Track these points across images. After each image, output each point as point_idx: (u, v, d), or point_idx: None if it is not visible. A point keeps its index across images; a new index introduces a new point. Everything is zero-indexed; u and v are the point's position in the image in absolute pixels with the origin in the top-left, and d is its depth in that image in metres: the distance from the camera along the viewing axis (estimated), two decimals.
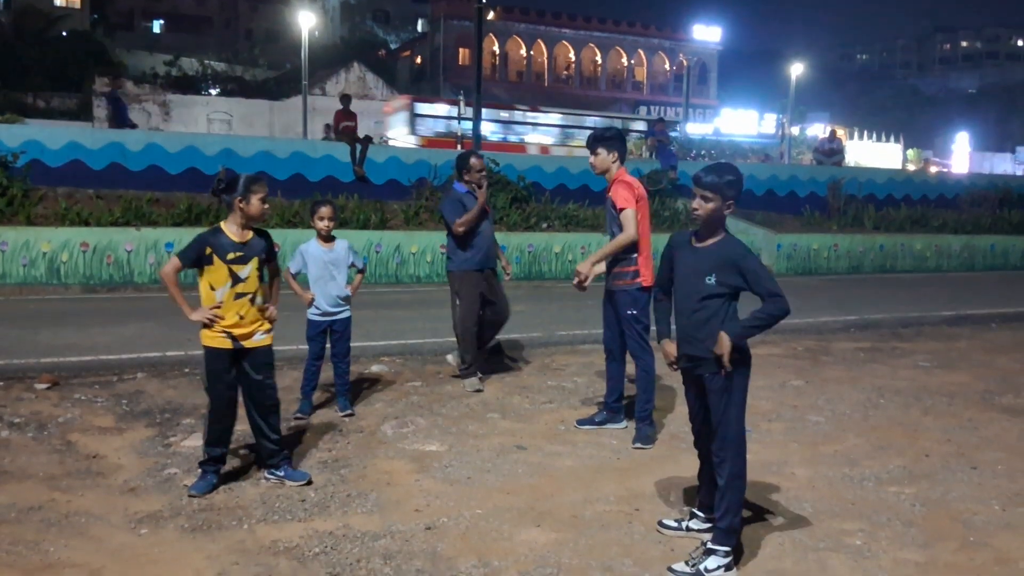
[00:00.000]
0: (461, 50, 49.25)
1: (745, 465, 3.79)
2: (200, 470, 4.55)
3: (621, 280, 5.53)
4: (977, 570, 3.79)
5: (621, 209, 5.43)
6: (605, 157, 5.59)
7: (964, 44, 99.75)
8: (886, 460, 5.27)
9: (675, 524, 4.10)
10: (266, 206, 4.48)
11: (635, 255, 5.50)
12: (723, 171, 3.76)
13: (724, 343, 3.65)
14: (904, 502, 4.59)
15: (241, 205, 4.40)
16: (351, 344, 6.17)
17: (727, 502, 3.71)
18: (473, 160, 6.97)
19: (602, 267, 5.60)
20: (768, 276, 3.68)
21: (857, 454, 5.39)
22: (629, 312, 5.53)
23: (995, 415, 6.41)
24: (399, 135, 29.63)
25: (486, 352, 7.30)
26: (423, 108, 31.86)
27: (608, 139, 5.64)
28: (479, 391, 6.76)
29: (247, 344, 4.49)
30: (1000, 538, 4.14)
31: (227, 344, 4.44)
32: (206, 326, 4.41)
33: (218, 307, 4.40)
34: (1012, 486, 4.86)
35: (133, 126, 18.87)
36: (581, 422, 5.89)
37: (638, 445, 5.44)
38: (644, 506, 4.40)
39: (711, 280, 3.71)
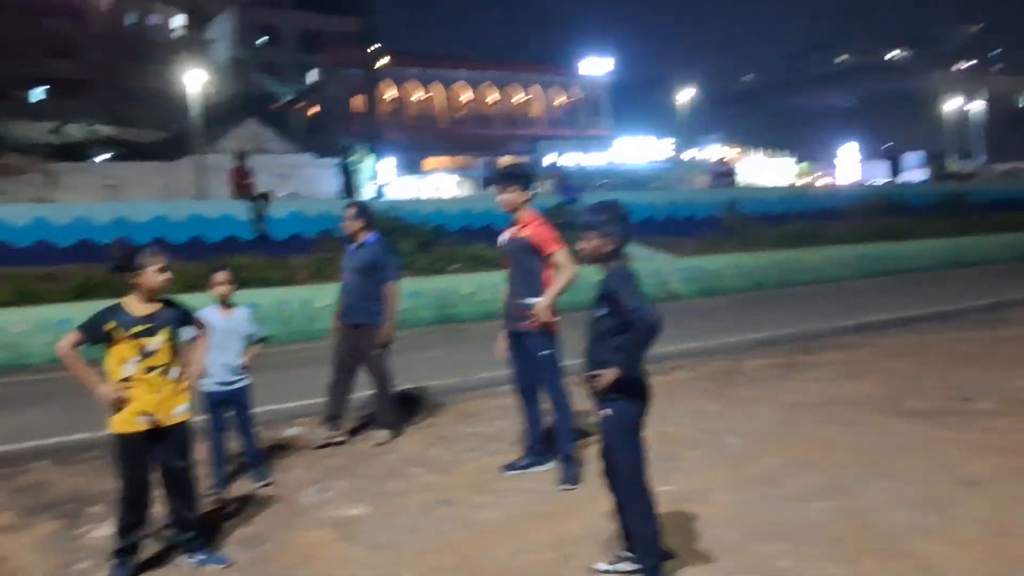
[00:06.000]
0: (355, 98, 49.16)
1: (645, 500, 3.80)
2: (113, 561, 4.32)
3: (531, 321, 5.52)
4: None
5: (550, 252, 5.47)
6: (516, 195, 5.60)
7: (839, 60, 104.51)
8: (805, 477, 5.38)
9: (608, 567, 4.08)
10: (166, 275, 4.29)
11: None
12: (599, 209, 3.89)
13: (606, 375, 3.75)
14: (826, 517, 4.67)
15: (138, 280, 4.24)
16: (261, 409, 6.01)
17: (639, 541, 3.73)
18: (344, 208, 7.00)
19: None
20: (629, 296, 3.71)
21: (777, 474, 5.48)
22: (542, 353, 5.53)
23: (901, 420, 6.61)
24: None
25: (336, 406, 6.85)
26: None
27: (519, 176, 5.65)
28: (322, 446, 6.64)
29: (166, 422, 4.27)
30: (920, 544, 4.25)
31: (142, 427, 4.21)
32: (117, 408, 4.18)
33: (127, 381, 4.19)
34: (925, 490, 5.01)
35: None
36: (506, 467, 5.84)
37: (565, 487, 5.42)
38: (575, 551, 4.37)
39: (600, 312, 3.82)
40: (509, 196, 5.59)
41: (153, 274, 4.25)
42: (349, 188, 22.93)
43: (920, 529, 4.45)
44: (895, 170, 26.89)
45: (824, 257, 19.61)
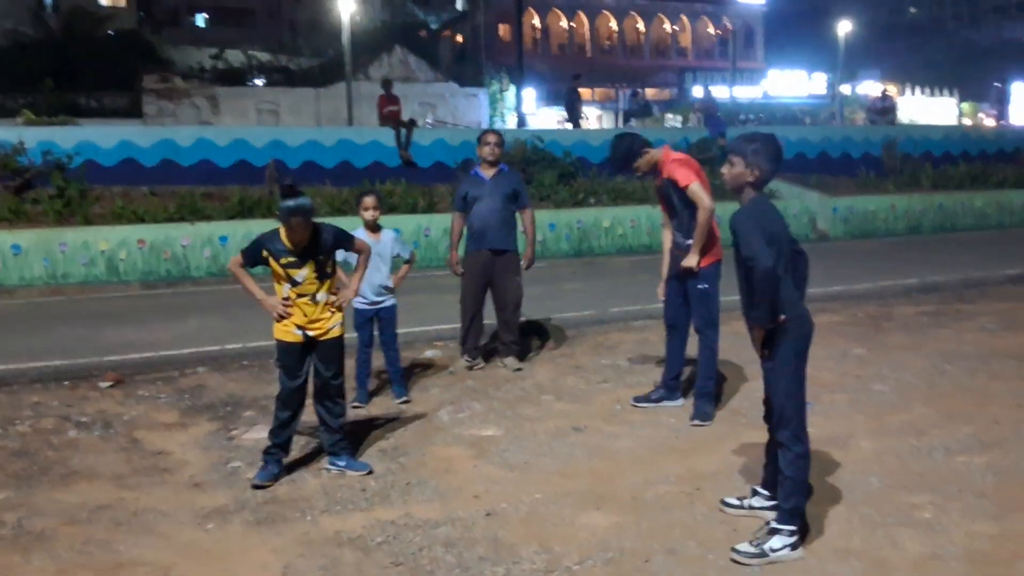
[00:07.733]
0: (501, 26, 48.92)
1: (805, 443, 3.69)
2: (263, 460, 4.63)
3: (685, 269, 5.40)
4: None
5: (685, 186, 5.26)
6: (642, 159, 5.49)
7: None
8: (954, 429, 5.14)
9: (737, 503, 4.05)
10: (301, 239, 4.41)
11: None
12: (750, 138, 3.73)
13: (754, 335, 3.67)
14: (975, 472, 4.47)
15: (281, 222, 4.43)
16: (403, 331, 6.21)
17: (790, 482, 3.64)
18: (485, 134, 6.94)
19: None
20: (747, 241, 3.55)
21: (924, 424, 5.26)
22: (700, 287, 5.43)
23: None
24: None
25: (478, 336, 7.04)
26: None
27: (627, 152, 5.49)
28: (469, 367, 6.85)
29: (319, 337, 4.59)
30: None
31: (297, 338, 4.56)
32: (279, 320, 4.56)
33: (287, 302, 4.51)
34: None
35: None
36: (637, 400, 5.84)
37: (696, 422, 5.38)
38: (705, 485, 4.35)
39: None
40: (639, 166, 5.50)
41: (290, 232, 4.40)
42: (574, 119, 22.90)
43: None
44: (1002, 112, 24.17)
45: (989, 201, 18.40)
